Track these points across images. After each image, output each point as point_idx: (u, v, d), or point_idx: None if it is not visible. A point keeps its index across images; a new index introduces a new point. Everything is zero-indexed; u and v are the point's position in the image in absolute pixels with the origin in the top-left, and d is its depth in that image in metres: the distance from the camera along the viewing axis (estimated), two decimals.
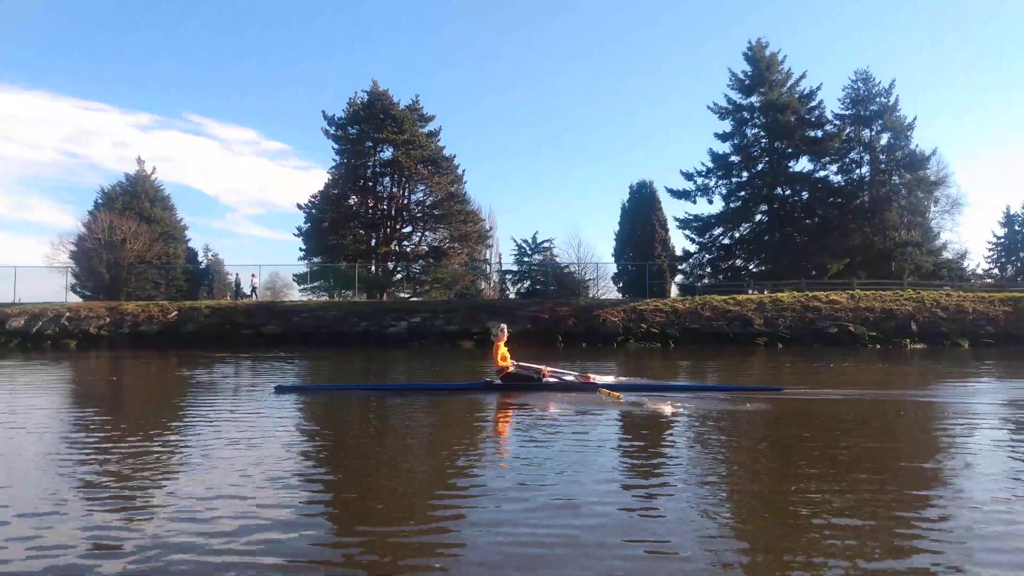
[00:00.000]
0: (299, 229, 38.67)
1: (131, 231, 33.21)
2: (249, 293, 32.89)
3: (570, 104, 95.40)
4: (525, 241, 47.10)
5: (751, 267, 35.09)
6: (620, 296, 34.74)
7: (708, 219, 35.74)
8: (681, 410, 8.37)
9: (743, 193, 34.91)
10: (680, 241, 39.80)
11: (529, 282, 40.29)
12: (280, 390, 10.63)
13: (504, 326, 10.86)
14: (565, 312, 26.86)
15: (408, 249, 37.02)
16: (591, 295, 35.78)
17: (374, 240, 36.53)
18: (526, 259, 48.57)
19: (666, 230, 47.27)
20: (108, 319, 27.34)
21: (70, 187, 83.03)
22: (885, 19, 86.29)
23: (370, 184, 36.10)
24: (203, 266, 41.75)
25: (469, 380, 11.56)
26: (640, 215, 45.24)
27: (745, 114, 35.13)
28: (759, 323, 25.30)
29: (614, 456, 6.15)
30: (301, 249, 46.23)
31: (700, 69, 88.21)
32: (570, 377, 10.30)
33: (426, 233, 36.97)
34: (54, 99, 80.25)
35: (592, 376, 10.43)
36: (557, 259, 45.84)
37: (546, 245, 50.10)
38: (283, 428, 7.63)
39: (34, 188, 76.74)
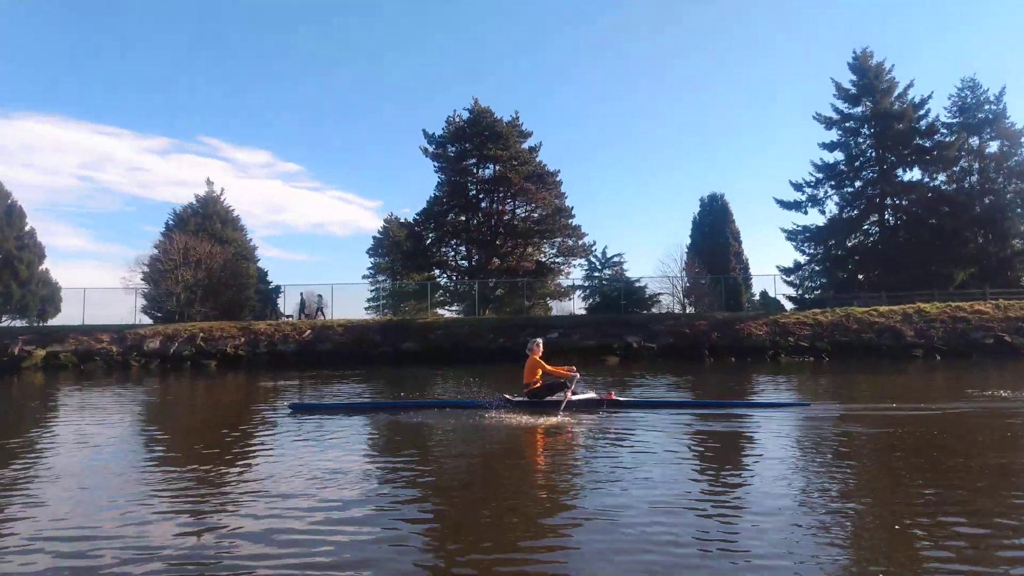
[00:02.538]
0: (383, 247, 38.62)
1: (207, 251, 33.29)
2: (313, 314, 32.59)
3: (638, 119, 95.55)
4: (595, 256, 46.95)
5: (860, 277, 34.45)
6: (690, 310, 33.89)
7: (817, 230, 35.20)
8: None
9: (857, 203, 34.43)
10: (755, 253, 38.91)
11: (599, 297, 39.85)
12: (296, 409, 10.51)
13: (540, 340, 10.42)
14: (704, 326, 26.50)
15: (509, 265, 36.84)
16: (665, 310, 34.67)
17: (478, 257, 36.44)
18: (596, 274, 48.44)
19: (739, 242, 46.90)
20: (242, 339, 27.36)
21: (88, 212, 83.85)
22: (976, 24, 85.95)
23: (473, 201, 36.04)
24: (272, 286, 41.59)
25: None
26: (712, 228, 44.97)
27: (852, 123, 34.77)
28: (910, 335, 24.82)
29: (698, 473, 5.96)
30: (369, 268, 46.64)
31: (773, 81, 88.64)
32: (591, 394, 10.08)
33: (529, 248, 36.79)
34: (70, 124, 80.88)
35: (614, 394, 10.27)
36: (627, 273, 45.51)
37: (616, 260, 50.07)
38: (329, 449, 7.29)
39: (52, 214, 77.81)
